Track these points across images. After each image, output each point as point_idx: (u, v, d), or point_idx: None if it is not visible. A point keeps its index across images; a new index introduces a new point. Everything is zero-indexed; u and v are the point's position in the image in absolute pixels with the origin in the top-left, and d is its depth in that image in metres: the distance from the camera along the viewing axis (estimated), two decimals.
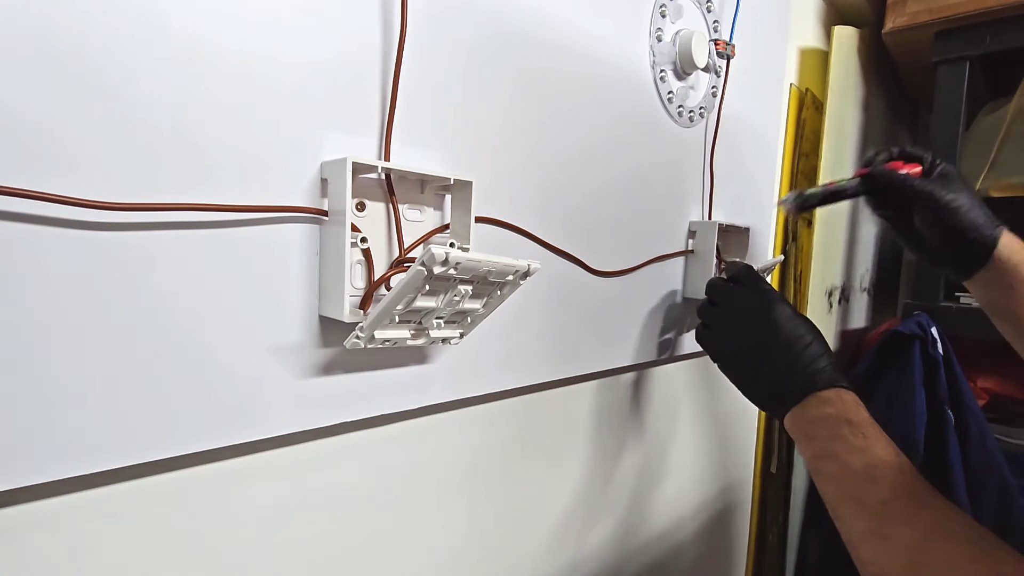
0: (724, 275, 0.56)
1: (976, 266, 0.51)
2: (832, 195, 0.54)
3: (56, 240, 0.25)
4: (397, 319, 0.33)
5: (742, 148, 0.73)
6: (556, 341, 0.50)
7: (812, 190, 0.54)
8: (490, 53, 0.41)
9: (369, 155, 0.35)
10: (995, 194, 0.99)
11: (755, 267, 0.62)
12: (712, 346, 0.52)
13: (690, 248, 0.65)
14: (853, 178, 0.54)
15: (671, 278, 0.64)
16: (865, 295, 1.31)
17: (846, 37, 0.96)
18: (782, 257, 0.72)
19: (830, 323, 1.09)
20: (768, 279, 0.82)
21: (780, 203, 0.56)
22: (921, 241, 0.53)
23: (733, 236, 0.69)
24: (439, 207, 0.39)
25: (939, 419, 0.89)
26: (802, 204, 0.55)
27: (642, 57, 0.56)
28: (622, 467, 0.65)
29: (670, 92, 0.59)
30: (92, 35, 0.25)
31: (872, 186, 0.53)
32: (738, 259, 0.65)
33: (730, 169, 0.70)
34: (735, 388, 0.50)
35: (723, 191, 0.70)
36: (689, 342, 0.69)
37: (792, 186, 0.92)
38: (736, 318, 0.50)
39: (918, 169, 0.52)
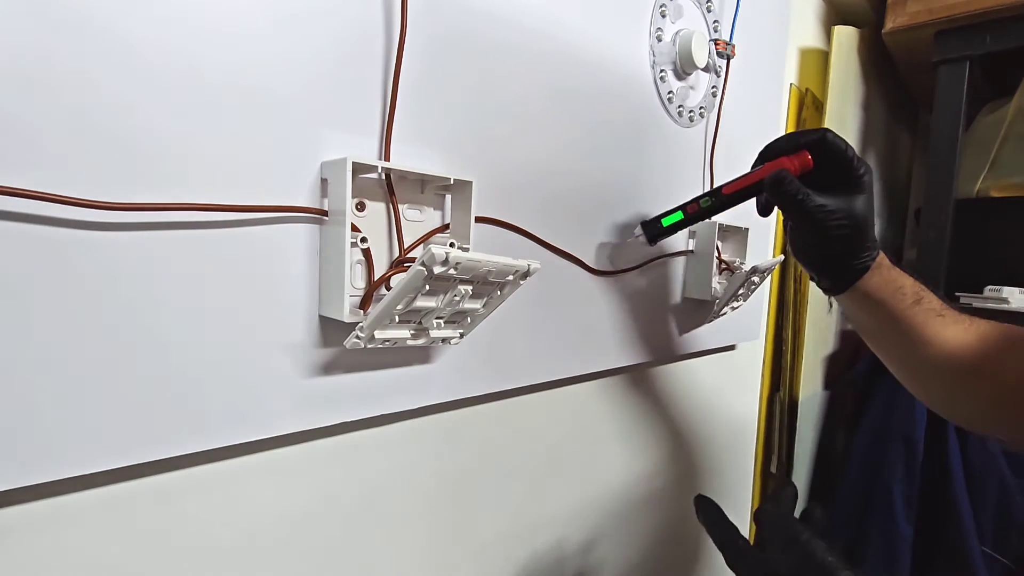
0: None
1: (835, 291, 0.49)
2: (693, 218, 0.52)
3: (56, 240, 0.25)
4: (397, 319, 0.33)
5: (742, 148, 0.73)
6: (556, 341, 0.50)
7: (670, 218, 0.52)
8: (490, 53, 0.41)
9: (369, 155, 0.35)
10: (995, 194, 1.00)
11: (756, 267, 0.62)
12: None
13: (690, 248, 0.65)
14: (715, 192, 0.50)
15: (671, 278, 0.64)
16: None
17: (846, 37, 0.96)
18: (782, 257, 0.72)
19: (830, 323, 1.09)
20: (768, 279, 0.82)
21: (632, 238, 0.54)
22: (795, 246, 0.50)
23: (733, 236, 0.69)
24: (439, 207, 0.39)
25: (940, 419, 0.89)
26: (658, 233, 0.53)
27: (642, 57, 0.56)
28: (621, 467, 0.65)
29: (670, 92, 0.59)
30: (92, 35, 0.25)
31: (738, 201, 0.50)
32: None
33: (730, 169, 0.70)
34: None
35: None
36: (689, 342, 0.69)
37: None
38: None
39: (807, 159, 0.45)
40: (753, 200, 0.51)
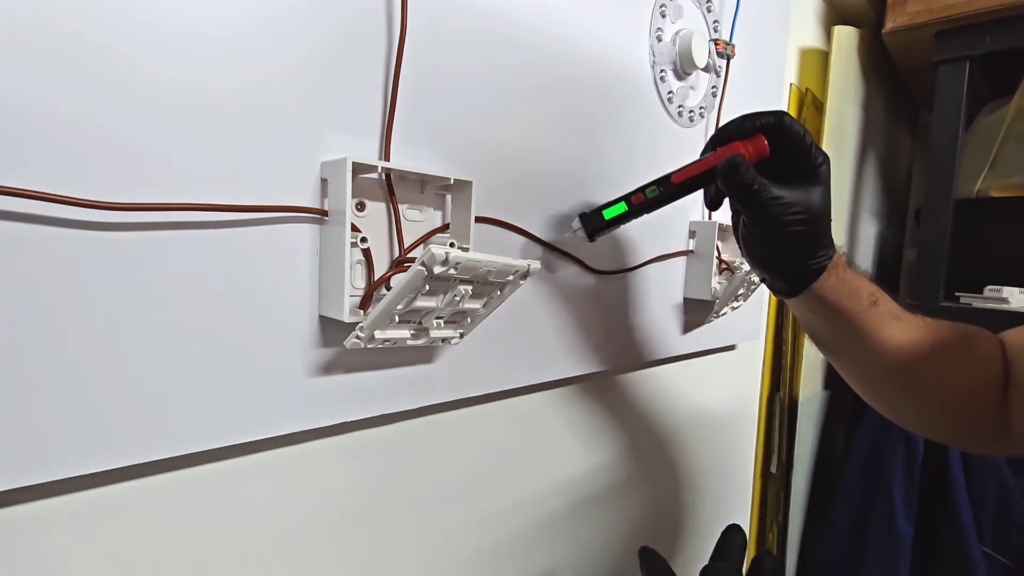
0: None
1: (788, 294, 0.45)
2: (638, 210, 0.46)
3: (56, 240, 0.25)
4: (397, 319, 0.33)
5: None
6: (556, 341, 0.50)
7: (612, 209, 0.46)
8: (490, 53, 0.41)
9: (369, 155, 0.35)
10: (995, 194, 1.00)
11: None
12: None
13: (690, 248, 0.65)
14: (663, 180, 0.45)
15: (671, 278, 0.64)
16: None
17: (846, 37, 0.96)
18: None
19: None
20: None
21: (570, 233, 0.48)
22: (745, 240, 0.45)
23: (733, 236, 0.69)
24: (439, 207, 0.39)
25: None
26: (600, 227, 0.46)
27: (642, 57, 0.56)
28: (621, 467, 0.65)
29: (670, 92, 0.59)
30: (92, 34, 0.25)
31: (689, 190, 0.45)
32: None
33: None
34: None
35: None
36: (689, 342, 0.69)
37: None
38: None
39: (763, 144, 0.41)
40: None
